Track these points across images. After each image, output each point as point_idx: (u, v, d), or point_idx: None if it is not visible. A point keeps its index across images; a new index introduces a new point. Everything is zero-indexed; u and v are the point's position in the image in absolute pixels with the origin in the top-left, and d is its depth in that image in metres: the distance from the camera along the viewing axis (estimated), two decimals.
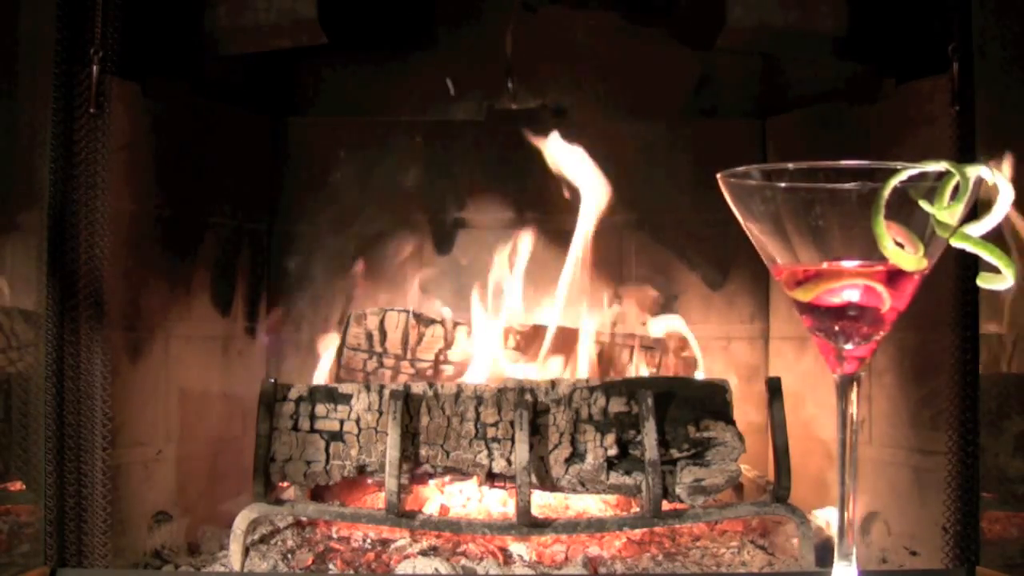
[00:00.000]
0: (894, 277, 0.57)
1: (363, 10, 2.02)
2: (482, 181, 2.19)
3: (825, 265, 0.57)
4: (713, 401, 1.64)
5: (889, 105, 1.79)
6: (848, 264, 0.57)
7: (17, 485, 1.54)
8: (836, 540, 0.65)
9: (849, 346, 0.59)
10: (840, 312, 0.57)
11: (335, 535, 1.72)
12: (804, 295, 0.58)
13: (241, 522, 1.59)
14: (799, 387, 1.98)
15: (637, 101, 2.15)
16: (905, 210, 0.55)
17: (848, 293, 0.57)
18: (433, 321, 1.95)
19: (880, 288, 0.56)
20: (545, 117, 2.06)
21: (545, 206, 2.15)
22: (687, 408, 1.62)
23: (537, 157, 2.11)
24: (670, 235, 2.20)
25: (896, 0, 1.75)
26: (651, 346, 2.05)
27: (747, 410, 1.94)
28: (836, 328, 0.58)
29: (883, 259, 0.55)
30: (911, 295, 0.58)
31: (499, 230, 2.19)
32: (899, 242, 0.55)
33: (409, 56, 2.19)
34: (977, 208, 0.59)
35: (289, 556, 1.64)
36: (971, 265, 1.45)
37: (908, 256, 0.55)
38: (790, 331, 2.11)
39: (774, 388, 1.64)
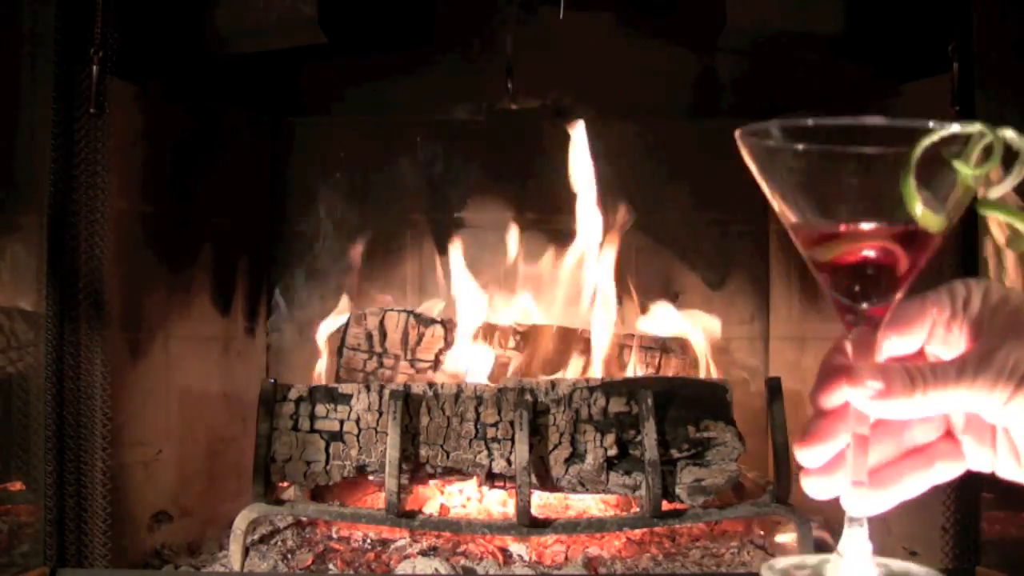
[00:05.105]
0: (915, 237, 0.57)
1: (364, 10, 2.02)
2: (482, 181, 2.19)
3: (843, 228, 0.58)
4: (713, 401, 1.64)
5: (889, 105, 1.79)
6: (867, 225, 0.57)
7: (17, 485, 1.54)
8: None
9: (865, 305, 0.60)
10: (859, 270, 0.58)
11: (335, 535, 1.72)
12: (823, 255, 0.58)
13: (241, 522, 1.59)
14: (799, 387, 1.98)
15: (637, 101, 2.15)
16: (926, 171, 0.55)
17: (868, 252, 0.57)
18: (433, 321, 1.95)
19: (899, 249, 0.57)
20: (545, 117, 2.06)
21: (545, 206, 2.15)
22: (687, 408, 1.62)
23: (537, 157, 2.11)
24: (670, 235, 2.20)
25: (896, 0, 1.75)
26: (651, 346, 2.04)
27: (747, 410, 1.94)
28: (856, 288, 0.59)
29: (904, 220, 0.56)
30: (931, 255, 0.58)
31: (499, 230, 2.19)
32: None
33: (409, 56, 2.19)
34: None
35: (289, 556, 1.64)
36: (971, 265, 1.46)
37: (935, 217, 0.55)
38: (790, 331, 2.11)
39: (774, 388, 1.64)
